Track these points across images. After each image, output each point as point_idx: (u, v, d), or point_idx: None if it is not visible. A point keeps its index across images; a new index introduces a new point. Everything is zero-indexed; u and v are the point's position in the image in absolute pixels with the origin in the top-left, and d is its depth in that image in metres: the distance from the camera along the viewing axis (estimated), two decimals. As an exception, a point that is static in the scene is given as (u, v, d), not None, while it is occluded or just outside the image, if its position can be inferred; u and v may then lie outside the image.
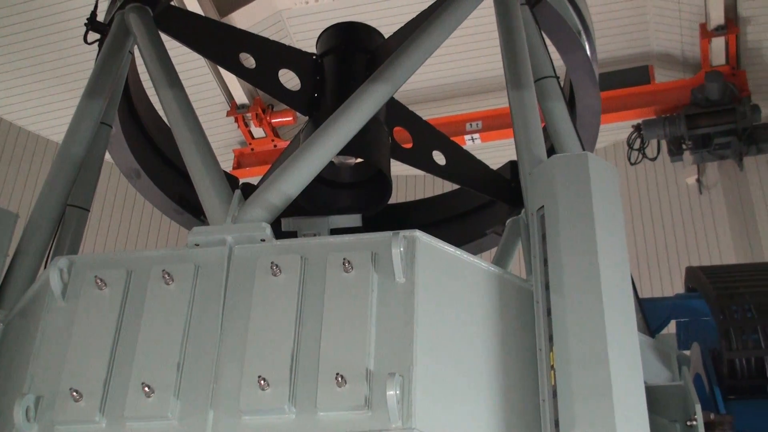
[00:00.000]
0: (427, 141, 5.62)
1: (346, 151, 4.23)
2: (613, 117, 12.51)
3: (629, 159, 12.95)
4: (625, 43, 13.38)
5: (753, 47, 12.96)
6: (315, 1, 12.90)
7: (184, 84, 4.36)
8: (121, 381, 3.13)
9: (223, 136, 14.45)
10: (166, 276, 3.29)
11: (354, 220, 4.90)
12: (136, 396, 3.05)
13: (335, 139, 3.90)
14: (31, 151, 14.05)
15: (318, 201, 5.06)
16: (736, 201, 13.30)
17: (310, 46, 5.62)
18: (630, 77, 13.03)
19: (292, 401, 2.98)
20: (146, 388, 3.03)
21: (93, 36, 4.95)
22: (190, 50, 5.16)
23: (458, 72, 13.79)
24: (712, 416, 3.32)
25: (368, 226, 4.49)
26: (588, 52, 5.17)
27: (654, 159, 13.07)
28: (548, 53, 4.60)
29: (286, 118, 14.19)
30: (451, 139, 5.81)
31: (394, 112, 5.48)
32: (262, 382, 2.97)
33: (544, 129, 4.19)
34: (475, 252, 5.54)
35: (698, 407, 3.22)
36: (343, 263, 3.19)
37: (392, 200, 5.25)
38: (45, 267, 3.86)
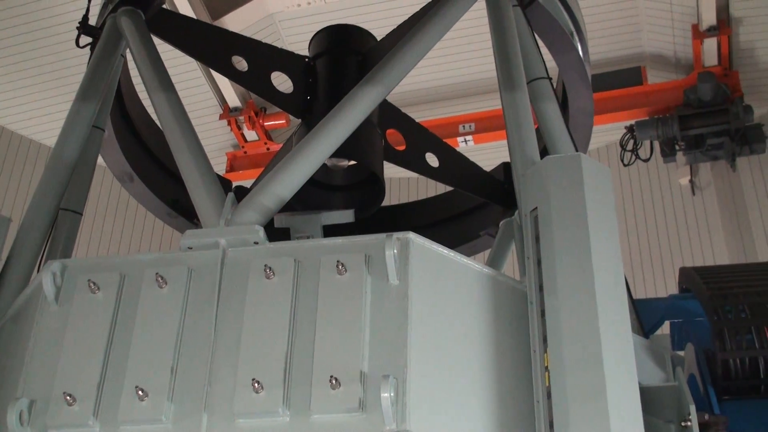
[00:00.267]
0: (420, 143, 5.62)
1: (339, 153, 4.22)
2: (605, 118, 12.53)
3: (622, 160, 12.96)
4: (617, 44, 13.40)
5: (745, 48, 12.98)
6: (307, 3, 12.91)
7: (177, 87, 4.35)
8: (114, 385, 3.12)
9: (216, 139, 14.45)
10: (160, 279, 3.29)
11: (346, 216, 4.88)
12: (130, 400, 3.05)
13: (328, 141, 3.90)
14: (24, 155, 14.03)
15: (311, 203, 5.05)
16: (729, 201, 13.33)
17: (302, 48, 5.62)
18: (622, 78, 13.05)
19: (286, 404, 2.97)
20: (140, 392, 3.03)
21: (85, 40, 4.94)
22: (183, 53, 5.16)
23: (451, 74, 13.80)
24: (706, 417, 3.32)
25: (362, 229, 4.48)
26: (580, 53, 5.17)
27: (647, 160, 13.09)
28: (541, 54, 4.60)
29: (279, 121, 14.19)
30: (444, 141, 5.80)
31: (387, 114, 5.47)
32: (256, 385, 2.97)
33: (537, 130, 4.19)
34: (468, 254, 5.54)
35: (693, 408, 3.22)
36: (337, 265, 3.19)
37: (385, 202, 5.24)
38: (38, 271, 3.86)
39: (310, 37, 5.50)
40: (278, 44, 11.41)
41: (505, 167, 5.42)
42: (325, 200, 5.18)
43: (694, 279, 4.39)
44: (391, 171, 5.36)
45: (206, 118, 14.03)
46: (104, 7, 4.92)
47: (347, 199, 5.21)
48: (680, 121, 12.59)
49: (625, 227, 13.34)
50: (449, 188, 5.94)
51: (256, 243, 3.41)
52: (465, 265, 3.35)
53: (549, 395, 3.03)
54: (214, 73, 13.39)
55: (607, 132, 13.52)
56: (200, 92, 13.76)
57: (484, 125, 13.16)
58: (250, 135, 14.33)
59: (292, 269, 3.25)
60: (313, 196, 5.12)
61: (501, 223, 4.31)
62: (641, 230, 13.64)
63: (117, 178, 5.52)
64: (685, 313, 4.85)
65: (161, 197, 5.56)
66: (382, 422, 2.86)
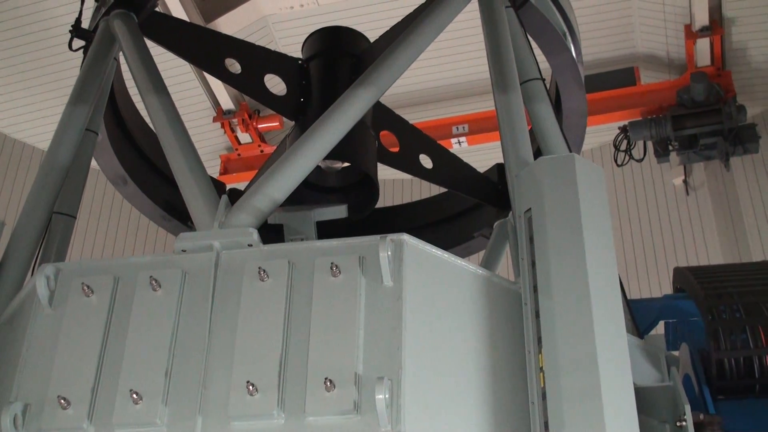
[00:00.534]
0: (414, 145, 5.62)
1: (332, 155, 4.23)
2: (599, 119, 12.52)
3: (616, 160, 12.96)
4: (610, 44, 13.40)
5: (738, 48, 12.99)
6: (300, 6, 12.89)
7: (170, 90, 4.35)
8: (109, 388, 3.12)
9: (209, 141, 14.43)
10: (154, 282, 3.28)
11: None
12: (125, 403, 3.04)
13: (321, 143, 3.90)
14: (17, 158, 14.01)
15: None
16: (723, 201, 13.34)
17: (295, 51, 5.62)
18: (616, 79, 13.05)
19: (281, 406, 2.97)
20: (134, 395, 3.02)
21: (78, 43, 4.94)
22: (176, 56, 5.16)
23: (444, 75, 13.79)
24: (701, 417, 3.32)
25: (356, 230, 4.48)
26: (573, 54, 5.17)
27: (640, 160, 13.09)
28: (534, 55, 4.60)
29: (273, 123, 14.18)
30: (438, 142, 5.81)
31: (381, 116, 5.48)
32: (251, 387, 2.97)
33: (531, 131, 4.19)
34: (463, 255, 5.54)
35: (688, 408, 3.22)
36: (331, 267, 3.19)
37: (379, 204, 5.25)
38: (32, 274, 3.85)
39: (303, 40, 5.50)
40: (271, 47, 11.43)
41: (499, 168, 5.43)
42: (319, 202, 5.17)
43: (688, 279, 4.39)
44: (385, 173, 5.36)
45: (200, 121, 14.01)
46: (97, 10, 4.92)
47: (341, 201, 5.20)
48: (673, 121, 12.59)
49: (619, 227, 13.35)
50: (443, 190, 5.94)
51: (250, 245, 3.41)
52: (459, 267, 3.34)
53: (544, 396, 3.04)
54: (208, 76, 13.37)
55: (601, 132, 13.53)
56: (193, 95, 13.75)
57: (478, 126, 13.15)
58: (244, 137, 14.32)
59: (286, 271, 3.25)
60: (307, 198, 5.11)
61: (495, 224, 4.32)
62: (635, 230, 13.65)
63: (111, 181, 5.52)
64: (679, 313, 4.85)
65: (155, 200, 5.56)
66: (377, 424, 2.86)
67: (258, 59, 5.32)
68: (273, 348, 3.08)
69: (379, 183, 5.02)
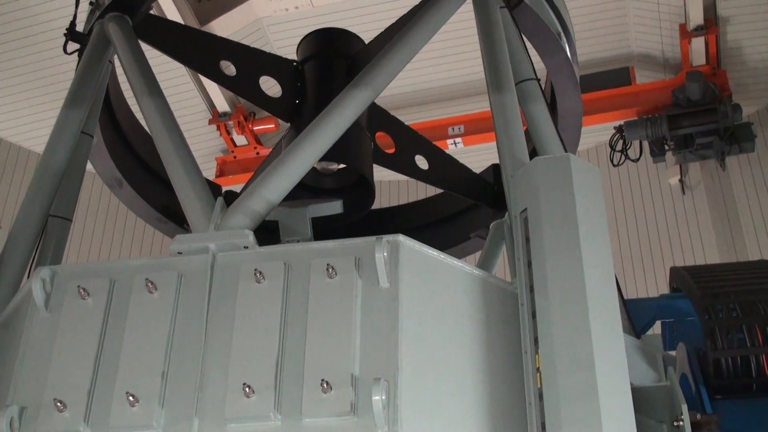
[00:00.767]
0: (410, 146, 5.62)
1: (328, 156, 4.23)
2: (594, 119, 12.54)
3: (612, 160, 12.97)
4: (605, 44, 13.42)
5: (733, 47, 13.01)
6: (295, 8, 12.90)
7: (165, 93, 4.34)
8: (105, 391, 3.11)
9: (205, 144, 14.44)
10: (150, 285, 3.28)
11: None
12: (121, 405, 3.04)
13: (317, 144, 3.90)
14: (13, 162, 14.01)
15: (301, 207, 5.04)
16: (719, 200, 13.36)
17: (290, 53, 5.61)
18: (611, 79, 13.06)
19: (278, 408, 2.97)
20: (131, 398, 3.02)
21: (73, 46, 4.93)
22: (171, 59, 5.15)
23: (439, 76, 13.81)
24: (698, 416, 3.32)
25: (352, 232, 4.47)
26: (568, 54, 5.17)
27: (636, 160, 13.10)
28: (528, 56, 4.60)
29: (268, 126, 14.19)
30: (434, 143, 5.81)
31: (376, 117, 5.47)
32: (247, 389, 2.96)
33: (526, 132, 4.19)
34: (459, 256, 5.52)
35: (685, 407, 3.22)
36: (327, 269, 3.18)
37: (375, 205, 5.24)
38: (28, 277, 3.85)
39: (298, 42, 5.49)
40: (267, 49, 11.38)
41: (495, 169, 5.42)
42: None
43: (684, 278, 4.40)
44: (381, 174, 5.36)
45: (195, 123, 14.02)
46: (91, 13, 4.91)
47: (337, 202, 5.21)
48: (669, 120, 12.60)
49: (615, 227, 13.36)
50: (439, 191, 5.94)
51: (245, 247, 3.41)
52: (455, 267, 3.34)
53: (541, 396, 3.03)
54: (203, 78, 13.38)
55: (597, 132, 13.55)
56: (189, 97, 13.75)
57: (474, 127, 13.16)
58: (240, 140, 14.33)
59: (282, 273, 3.24)
60: (303, 200, 5.10)
61: (491, 224, 4.30)
62: (631, 230, 13.66)
63: (106, 184, 5.52)
64: (676, 313, 4.86)
65: (151, 203, 5.55)
66: (373, 425, 2.86)
67: (253, 61, 5.32)
68: (269, 350, 3.08)
69: (374, 184, 5.01)
